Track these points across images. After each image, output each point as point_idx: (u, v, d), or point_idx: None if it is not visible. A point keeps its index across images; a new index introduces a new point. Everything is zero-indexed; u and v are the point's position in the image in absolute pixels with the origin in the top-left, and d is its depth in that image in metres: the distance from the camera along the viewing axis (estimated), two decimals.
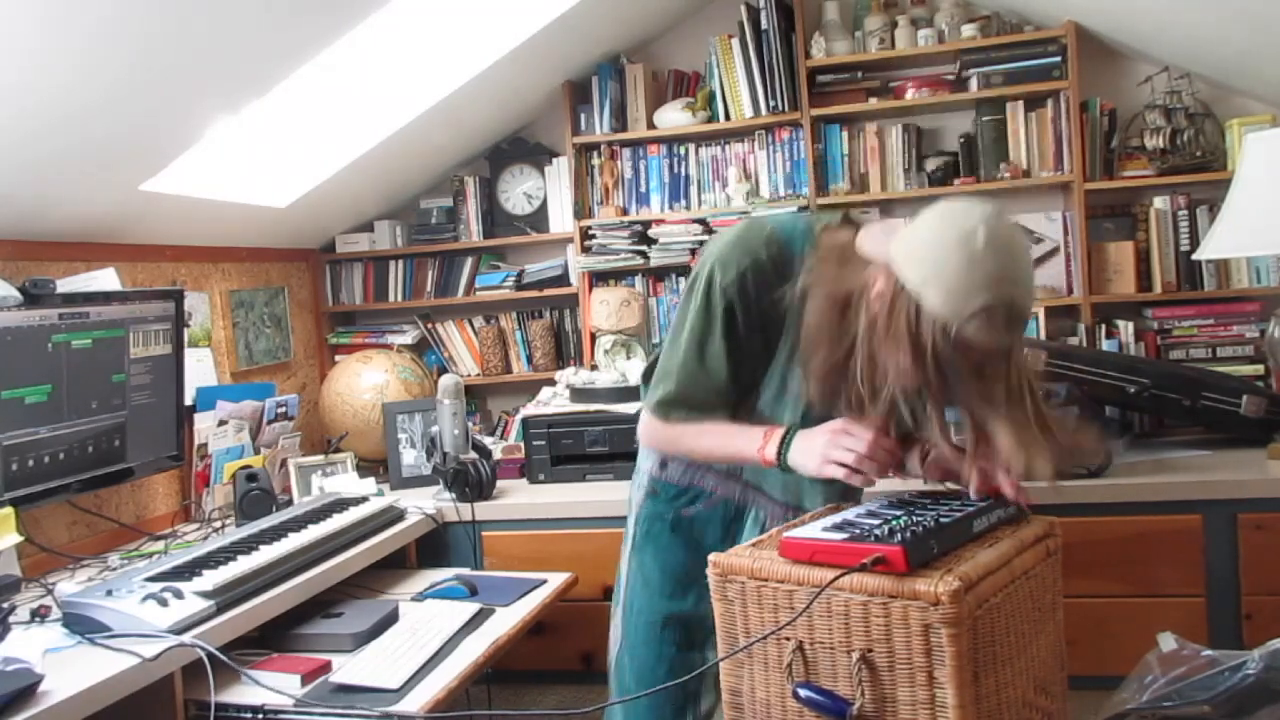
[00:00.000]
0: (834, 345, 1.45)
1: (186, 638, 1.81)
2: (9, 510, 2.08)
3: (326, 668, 1.97)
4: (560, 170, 3.52)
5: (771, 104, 3.25)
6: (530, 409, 3.18)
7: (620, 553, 1.87)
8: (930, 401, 1.44)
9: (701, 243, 3.32)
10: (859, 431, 1.47)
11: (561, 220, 3.52)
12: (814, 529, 1.40)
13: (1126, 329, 3.10)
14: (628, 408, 3.01)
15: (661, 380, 1.65)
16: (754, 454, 1.56)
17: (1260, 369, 2.96)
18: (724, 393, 1.61)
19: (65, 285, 2.39)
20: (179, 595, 1.89)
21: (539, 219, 3.56)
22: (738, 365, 1.60)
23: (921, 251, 1.35)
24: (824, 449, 1.48)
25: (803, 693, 1.32)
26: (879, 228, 1.53)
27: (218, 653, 1.82)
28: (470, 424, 2.97)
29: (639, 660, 1.77)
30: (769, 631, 1.35)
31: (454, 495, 2.84)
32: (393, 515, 2.66)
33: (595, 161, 3.49)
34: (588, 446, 3.01)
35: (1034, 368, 1.51)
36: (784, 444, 1.53)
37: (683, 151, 3.45)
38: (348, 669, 1.93)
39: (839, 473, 1.48)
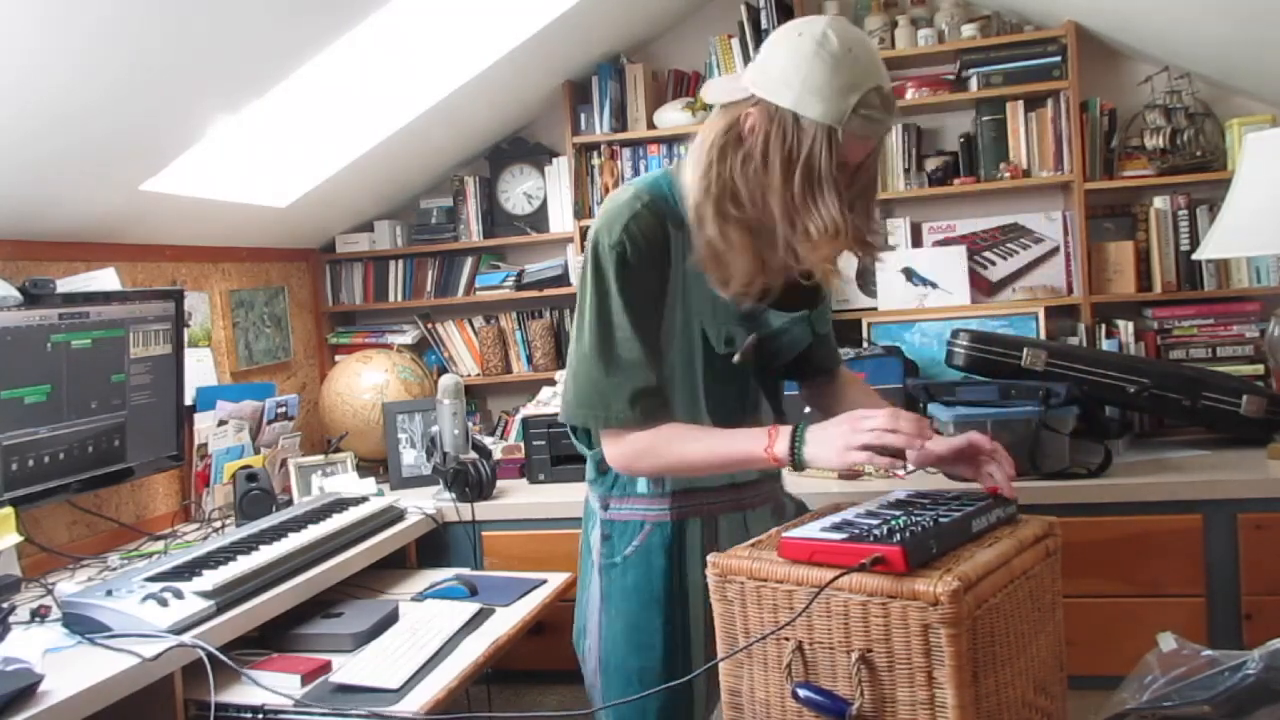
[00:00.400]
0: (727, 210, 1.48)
1: (186, 638, 1.82)
2: (9, 510, 2.08)
3: (326, 668, 1.97)
4: (560, 170, 3.52)
5: None
6: (530, 409, 3.18)
7: (582, 595, 1.76)
8: (797, 229, 1.45)
9: None
10: (875, 412, 1.44)
11: (561, 220, 3.52)
12: (813, 529, 1.40)
13: (1126, 329, 3.10)
14: None
15: (594, 386, 1.53)
16: (760, 454, 1.48)
17: (1260, 369, 2.96)
18: (647, 358, 1.52)
19: (65, 285, 2.39)
20: (179, 595, 1.89)
21: (539, 219, 3.57)
22: (642, 324, 1.53)
23: (784, 73, 1.41)
24: (844, 436, 1.42)
25: (802, 693, 1.31)
26: (721, 81, 1.56)
27: (218, 653, 1.82)
28: (470, 424, 2.97)
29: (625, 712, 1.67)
30: (768, 632, 1.35)
31: (454, 495, 2.85)
32: (393, 515, 2.66)
33: (595, 161, 3.49)
34: None
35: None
36: (796, 440, 1.46)
37: (683, 151, 3.43)
38: (348, 669, 1.93)
39: (862, 457, 1.42)
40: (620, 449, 1.56)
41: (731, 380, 1.64)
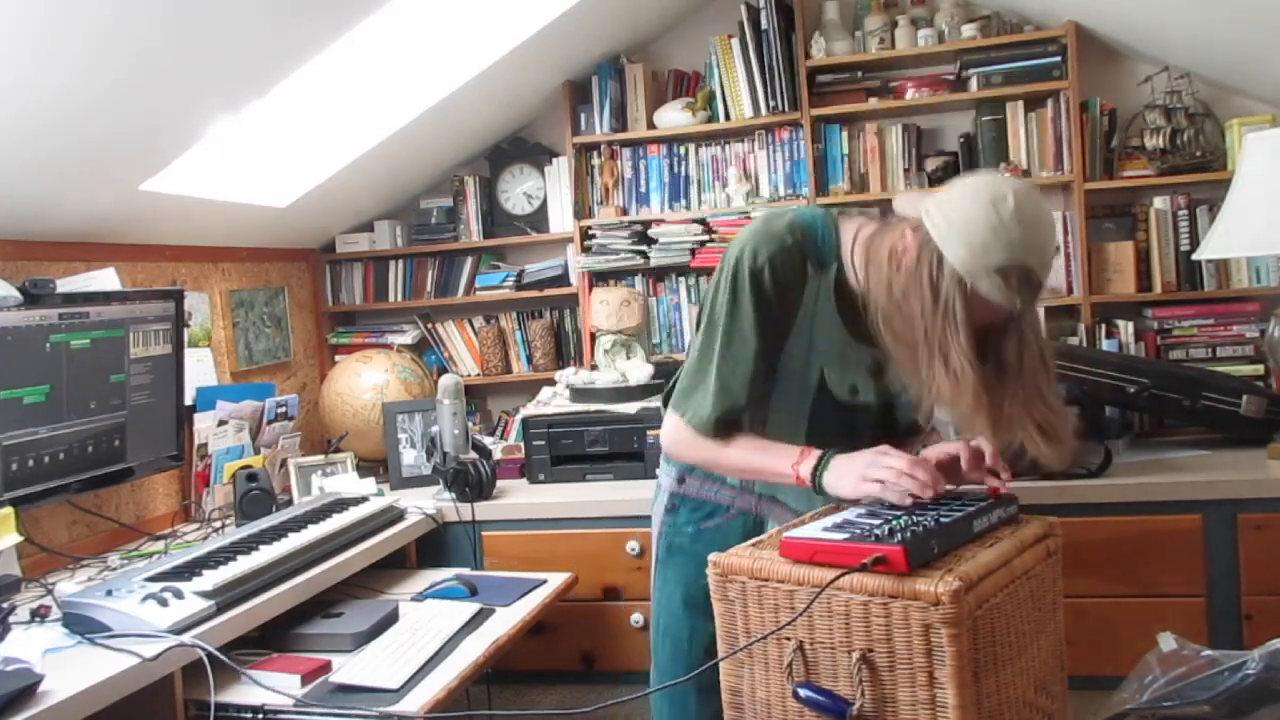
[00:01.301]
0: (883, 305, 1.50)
1: (186, 638, 1.81)
2: (9, 510, 2.08)
3: (326, 668, 1.97)
4: (560, 170, 3.52)
5: (771, 104, 3.25)
6: (530, 409, 3.18)
7: (650, 569, 1.88)
8: (937, 351, 1.44)
9: (702, 243, 3.32)
10: (898, 453, 1.48)
11: (561, 220, 3.52)
12: (814, 529, 1.40)
13: (1126, 329, 3.10)
14: (628, 408, 3.02)
15: (699, 390, 1.62)
16: (788, 470, 1.56)
17: (1260, 369, 2.96)
18: (755, 381, 1.60)
19: (65, 285, 2.39)
20: (179, 595, 1.89)
21: (539, 219, 3.56)
22: (765, 349, 1.60)
23: (952, 208, 1.42)
24: (862, 469, 1.48)
25: (803, 693, 1.32)
26: (912, 194, 1.58)
27: (218, 653, 1.82)
28: (470, 424, 2.97)
29: (672, 677, 1.75)
30: (769, 631, 1.35)
31: (454, 495, 2.84)
32: (393, 515, 2.66)
33: (595, 161, 3.49)
34: (587, 446, 3.01)
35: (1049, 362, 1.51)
36: (820, 465, 1.52)
37: (683, 151, 3.45)
38: (348, 669, 1.93)
39: (875, 490, 1.47)
40: (679, 435, 1.66)
41: (843, 422, 1.68)
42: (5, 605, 1.88)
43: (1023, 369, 1.46)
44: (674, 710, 1.78)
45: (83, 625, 1.84)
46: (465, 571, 2.61)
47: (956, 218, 1.41)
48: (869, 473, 1.47)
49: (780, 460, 1.57)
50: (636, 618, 2.74)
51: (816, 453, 1.54)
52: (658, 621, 1.81)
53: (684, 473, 1.78)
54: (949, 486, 1.56)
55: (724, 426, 1.61)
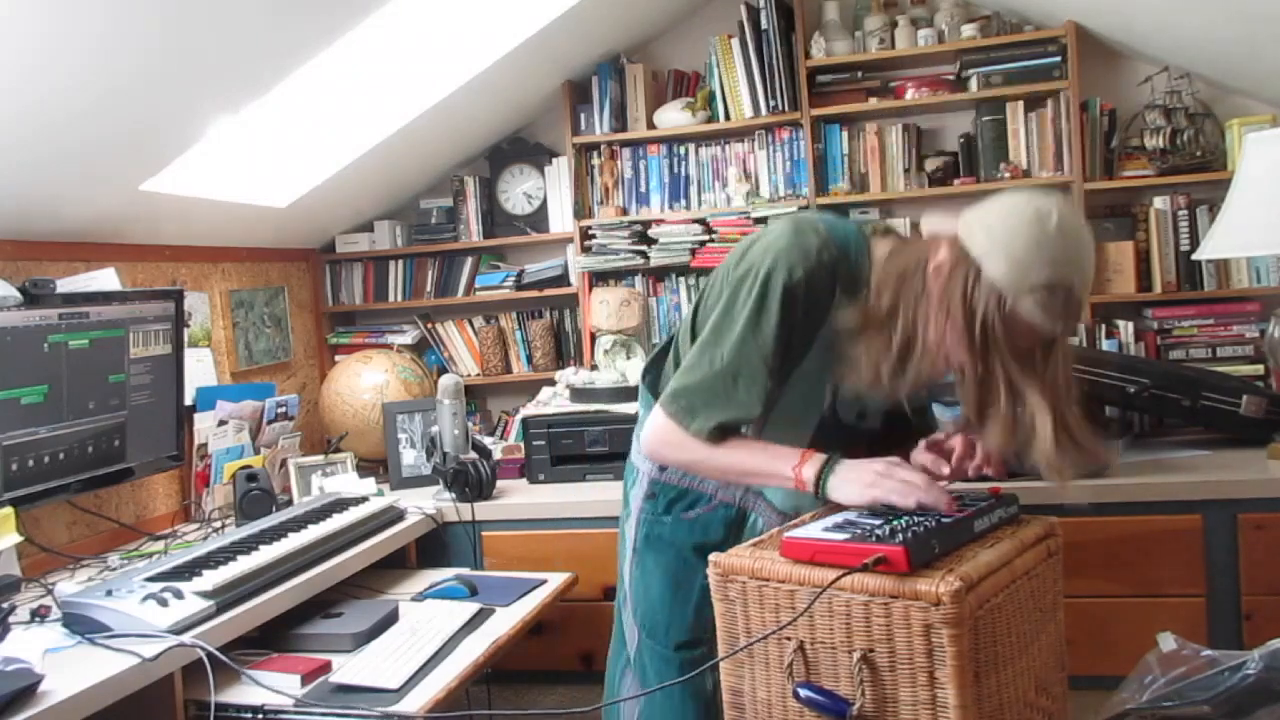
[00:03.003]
0: (886, 320, 1.45)
1: (186, 638, 1.81)
2: (9, 510, 2.08)
3: (326, 668, 1.96)
4: (560, 170, 3.52)
5: (771, 104, 3.25)
6: (530, 409, 3.18)
7: (620, 555, 1.84)
8: (962, 381, 1.43)
9: (702, 243, 3.32)
10: (910, 468, 1.46)
11: (561, 220, 3.52)
12: (815, 529, 1.40)
13: (1126, 329, 3.10)
14: (628, 408, 3.01)
15: (705, 395, 1.54)
16: (788, 473, 1.49)
17: (1260, 369, 2.96)
18: (769, 396, 1.53)
19: (65, 285, 2.39)
20: (179, 595, 1.89)
21: (539, 219, 3.56)
22: (783, 366, 1.54)
23: (993, 221, 1.38)
24: (871, 480, 1.44)
25: (803, 693, 1.32)
26: (940, 216, 1.53)
27: (218, 653, 1.82)
28: (470, 424, 2.97)
29: (657, 670, 1.72)
30: (770, 631, 1.35)
31: (454, 495, 2.84)
32: (393, 515, 2.66)
33: (595, 161, 3.49)
34: (587, 446, 3.00)
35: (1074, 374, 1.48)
36: (825, 470, 1.47)
37: (683, 151, 3.45)
38: (348, 669, 1.93)
39: (880, 502, 1.44)
40: (668, 438, 1.57)
41: (845, 442, 1.64)
42: (5, 605, 1.88)
43: (1057, 388, 1.41)
44: (667, 709, 1.73)
45: (83, 625, 1.84)
46: (465, 571, 2.61)
47: (999, 231, 1.36)
48: (878, 486, 1.43)
49: (780, 462, 1.50)
50: None
51: (820, 456, 1.48)
52: (636, 609, 1.77)
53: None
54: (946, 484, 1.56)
55: (724, 435, 1.54)
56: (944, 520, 1.37)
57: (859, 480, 1.45)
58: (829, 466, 1.47)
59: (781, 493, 1.67)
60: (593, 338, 3.41)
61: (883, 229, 1.60)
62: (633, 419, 2.97)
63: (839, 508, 1.55)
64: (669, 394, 1.57)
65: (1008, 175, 3.15)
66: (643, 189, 3.48)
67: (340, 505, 2.58)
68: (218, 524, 2.73)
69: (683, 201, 3.45)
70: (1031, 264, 1.34)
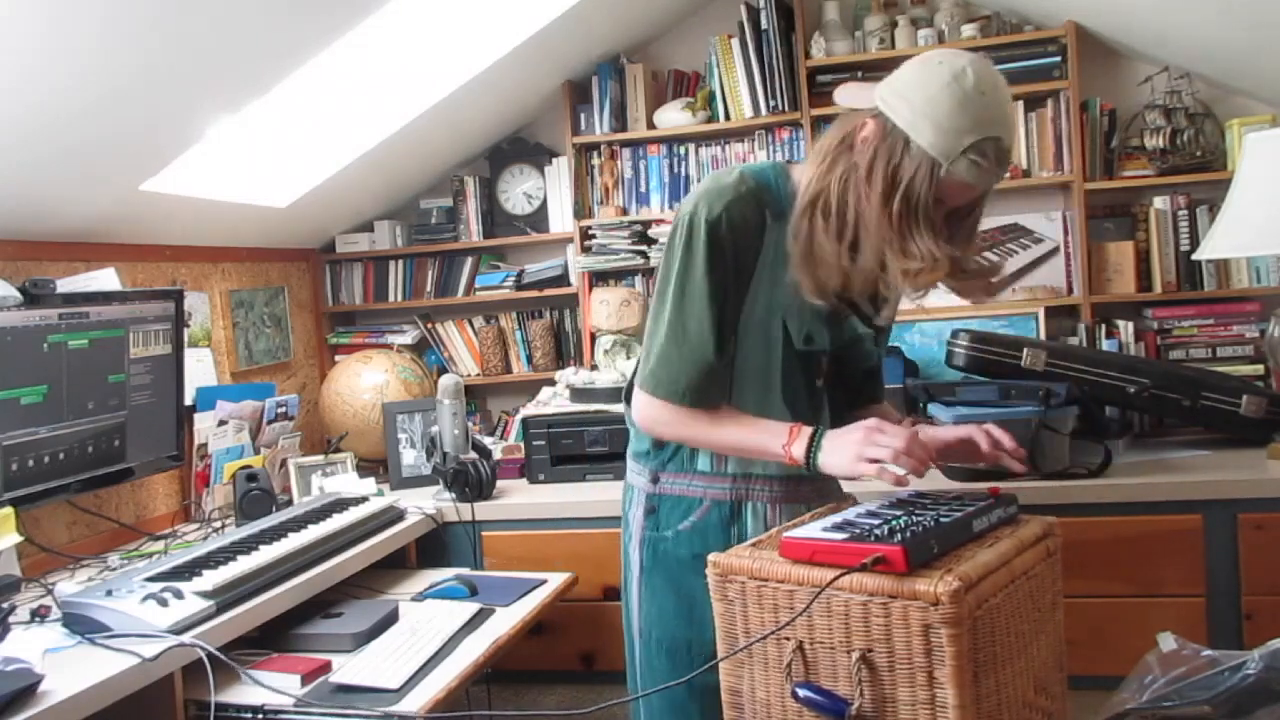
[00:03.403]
0: (823, 206, 1.47)
1: (186, 638, 1.81)
2: (9, 510, 2.08)
3: (326, 668, 1.97)
4: (560, 170, 3.52)
5: (771, 104, 3.25)
6: (530, 409, 3.18)
7: (623, 572, 1.78)
8: (892, 255, 1.43)
9: None
10: (892, 429, 1.46)
11: (561, 220, 3.52)
12: (814, 529, 1.40)
13: (1126, 329, 3.10)
14: None
15: (662, 358, 1.55)
16: (778, 450, 1.51)
17: (1260, 369, 2.96)
18: (720, 338, 1.54)
19: (65, 285, 2.39)
20: (179, 595, 1.89)
21: (539, 219, 3.57)
22: (727, 305, 1.55)
23: (912, 92, 1.38)
24: (857, 447, 1.45)
25: (802, 692, 1.32)
26: (854, 87, 1.53)
27: (218, 653, 1.82)
28: (470, 424, 2.97)
29: (671, 692, 1.66)
30: (769, 631, 1.35)
31: (454, 495, 2.84)
32: (393, 515, 2.66)
33: (595, 161, 3.50)
34: (588, 446, 3.01)
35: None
36: (813, 443, 1.49)
37: (683, 151, 3.45)
38: (348, 669, 1.93)
39: (871, 469, 1.44)
40: (653, 412, 1.59)
41: (807, 375, 1.64)
42: (5, 605, 1.88)
43: (970, 232, 1.46)
44: (674, 717, 1.69)
45: (83, 625, 1.84)
46: (465, 571, 2.61)
47: (919, 100, 1.37)
48: (865, 451, 1.44)
49: (771, 440, 1.52)
50: None
51: (808, 431, 1.50)
52: (648, 635, 1.71)
53: (657, 471, 1.70)
54: (969, 464, 1.57)
55: (700, 393, 1.54)
56: (943, 520, 1.37)
57: (845, 450, 1.46)
58: (817, 441, 1.49)
59: (775, 464, 1.65)
60: (593, 338, 3.41)
61: (800, 161, 1.62)
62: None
63: (838, 508, 1.56)
64: (639, 369, 1.61)
65: (1008, 175, 3.14)
66: (643, 189, 3.48)
67: (340, 505, 2.58)
68: (218, 524, 2.73)
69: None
70: (959, 128, 1.35)
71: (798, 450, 1.50)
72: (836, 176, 1.47)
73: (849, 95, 1.51)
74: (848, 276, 1.50)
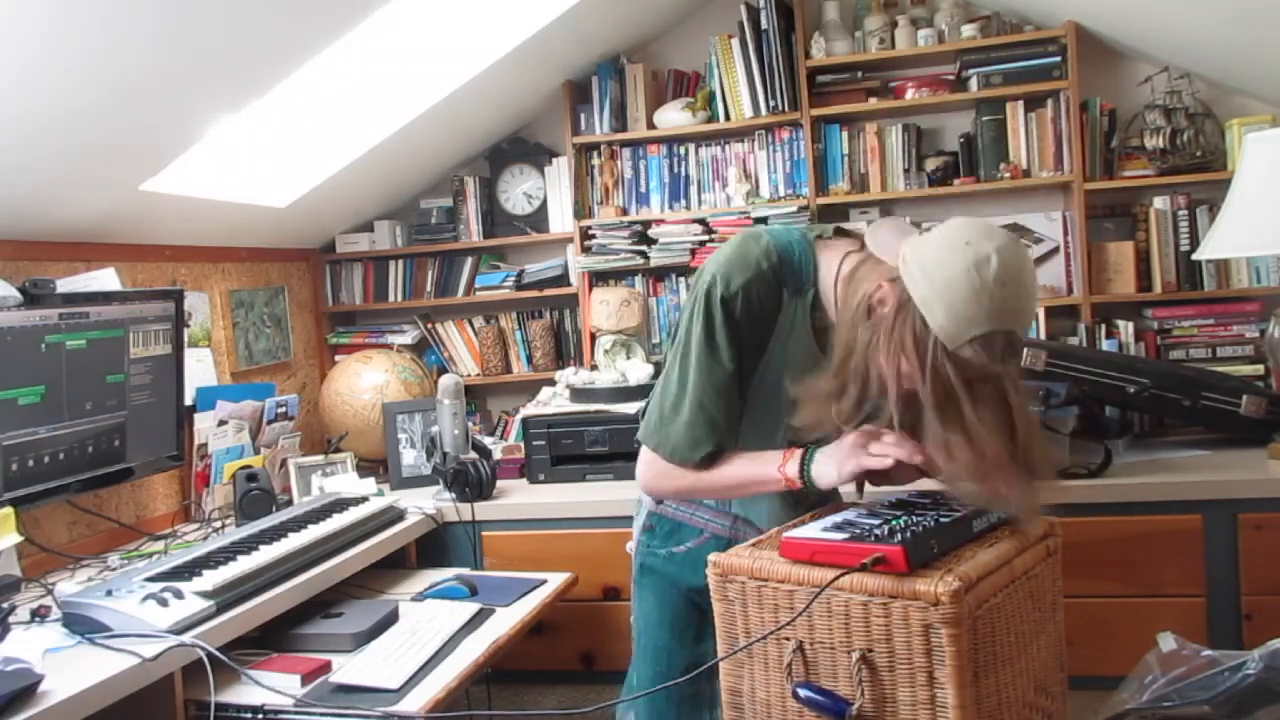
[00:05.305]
0: (842, 359, 1.45)
1: (186, 638, 1.82)
2: (9, 510, 2.08)
3: (326, 668, 1.97)
4: (560, 170, 3.52)
5: (771, 104, 3.25)
6: (530, 409, 3.18)
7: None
8: (925, 412, 1.41)
9: (702, 243, 3.32)
10: (881, 435, 1.46)
11: (561, 220, 3.52)
12: (814, 529, 1.40)
13: (1126, 329, 3.10)
14: (628, 408, 3.02)
15: (674, 422, 1.57)
16: (775, 474, 1.53)
17: (1260, 369, 2.96)
18: (731, 409, 1.56)
19: (65, 285, 2.39)
20: (179, 595, 1.89)
21: (539, 219, 3.56)
22: (739, 377, 1.57)
23: (932, 269, 1.35)
24: (847, 455, 1.46)
25: (803, 693, 1.32)
26: (886, 230, 1.50)
27: (218, 653, 1.82)
28: (470, 424, 2.97)
29: (652, 696, 1.74)
30: (769, 631, 1.35)
31: (454, 495, 2.84)
32: (393, 515, 2.66)
33: (595, 161, 3.49)
34: (587, 446, 3.01)
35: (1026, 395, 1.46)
36: (805, 460, 1.50)
37: (683, 151, 3.45)
38: (348, 669, 1.93)
39: (869, 462, 1.44)
40: (654, 470, 1.62)
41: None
42: (5, 605, 1.88)
43: (1015, 428, 1.39)
44: (655, 714, 1.74)
45: (83, 625, 1.84)
46: (465, 571, 2.61)
47: (937, 279, 1.33)
48: (854, 458, 1.45)
49: (766, 466, 1.54)
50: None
51: (798, 451, 1.52)
52: (639, 637, 1.79)
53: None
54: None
55: (711, 457, 1.56)
56: (943, 520, 1.37)
57: (836, 460, 1.47)
58: (809, 457, 1.50)
59: (766, 513, 1.69)
60: (593, 338, 3.41)
61: (827, 234, 1.60)
62: (633, 419, 2.98)
63: (837, 507, 1.56)
64: (650, 429, 1.62)
65: (1008, 175, 3.15)
66: (643, 189, 3.48)
67: (340, 505, 2.58)
68: (218, 524, 2.73)
69: (683, 201, 3.45)
70: (969, 317, 1.31)
71: (791, 469, 1.51)
72: (858, 333, 1.44)
73: (884, 242, 1.47)
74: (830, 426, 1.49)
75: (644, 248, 3.38)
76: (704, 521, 1.72)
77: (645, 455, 1.63)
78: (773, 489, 1.57)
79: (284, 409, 3.09)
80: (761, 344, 1.58)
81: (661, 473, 1.61)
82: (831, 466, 1.48)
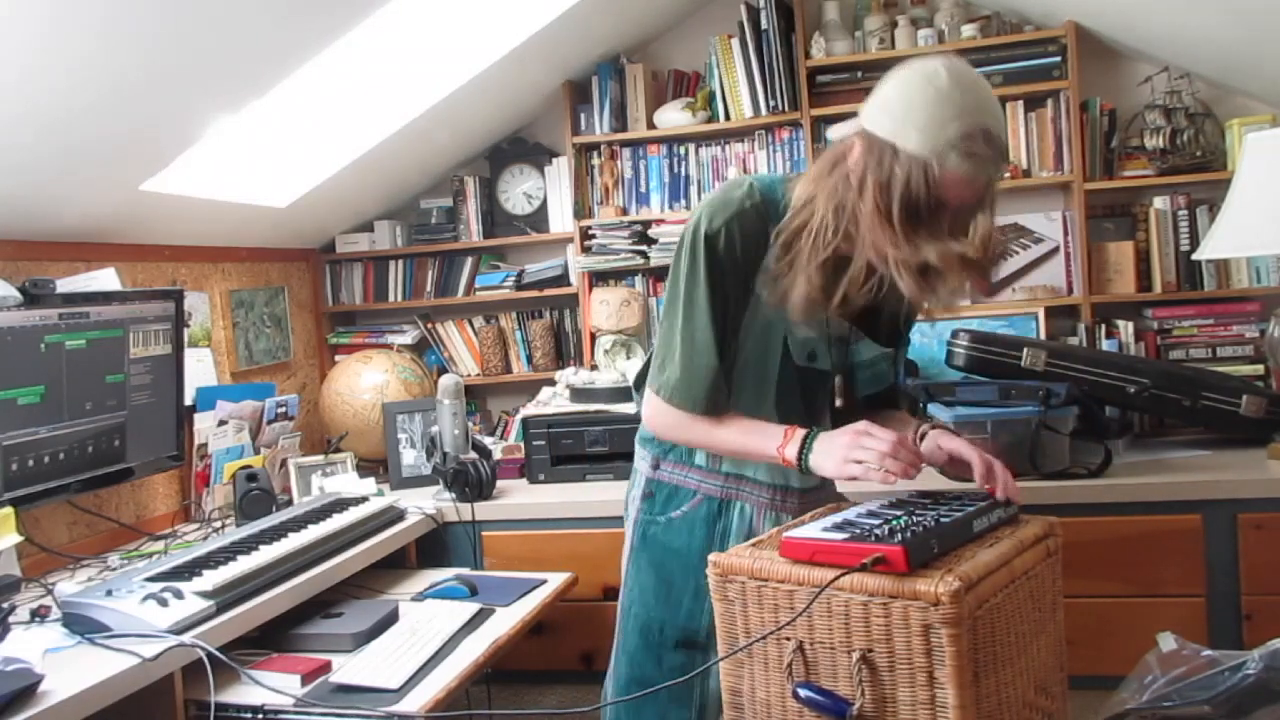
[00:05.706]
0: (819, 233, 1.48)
1: (186, 638, 1.81)
2: (9, 510, 2.08)
3: (326, 668, 1.97)
4: (560, 170, 3.52)
5: (771, 104, 3.25)
6: (530, 409, 3.17)
7: (622, 553, 1.86)
8: (902, 268, 1.42)
9: None
10: (880, 433, 1.48)
11: (561, 220, 3.52)
12: (814, 529, 1.40)
13: (1126, 329, 3.10)
14: (628, 408, 3.01)
15: (669, 363, 1.61)
16: (773, 452, 1.55)
17: (1260, 369, 2.96)
18: (720, 346, 1.58)
19: (65, 285, 2.39)
20: (179, 595, 1.89)
21: (539, 219, 3.56)
22: (727, 315, 1.59)
23: (889, 103, 1.41)
24: (845, 449, 1.48)
25: (803, 693, 1.32)
26: (844, 124, 1.54)
27: (218, 653, 1.82)
28: (470, 424, 2.97)
29: (638, 665, 1.75)
30: (769, 631, 1.35)
31: (454, 495, 2.84)
32: (393, 515, 2.66)
33: (595, 161, 3.49)
34: (588, 446, 3.01)
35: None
36: (805, 446, 1.52)
37: (683, 151, 3.45)
38: (348, 669, 1.93)
39: (858, 470, 1.47)
40: (662, 417, 1.65)
41: (804, 389, 1.68)
42: (5, 605, 1.88)
43: (983, 238, 1.42)
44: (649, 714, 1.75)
45: (83, 625, 1.84)
46: (465, 571, 2.61)
47: (898, 108, 1.39)
48: (851, 454, 1.47)
49: (767, 441, 1.56)
50: None
51: (800, 433, 1.54)
52: (629, 608, 1.79)
53: (659, 458, 1.76)
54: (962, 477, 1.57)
55: (712, 402, 1.59)
56: (943, 520, 1.37)
57: (834, 452, 1.49)
58: (809, 443, 1.52)
59: (766, 467, 1.70)
60: (593, 338, 3.41)
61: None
62: (633, 419, 2.98)
63: (837, 507, 1.56)
64: (652, 374, 1.65)
65: (1008, 175, 3.15)
66: (643, 189, 3.48)
67: (340, 505, 2.58)
68: (218, 524, 2.73)
69: (683, 201, 3.45)
70: (940, 122, 1.35)
71: (790, 452, 1.53)
72: (825, 195, 1.48)
73: (839, 128, 1.53)
74: (828, 299, 1.51)
75: (644, 248, 3.38)
76: (696, 483, 1.73)
77: (649, 399, 1.66)
78: (769, 462, 1.60)
79: (284, 409, 3.09)
80: (747, 281, 1.59)
81: (671, 422, 1.64)
82: (829, 460, 1.50)
